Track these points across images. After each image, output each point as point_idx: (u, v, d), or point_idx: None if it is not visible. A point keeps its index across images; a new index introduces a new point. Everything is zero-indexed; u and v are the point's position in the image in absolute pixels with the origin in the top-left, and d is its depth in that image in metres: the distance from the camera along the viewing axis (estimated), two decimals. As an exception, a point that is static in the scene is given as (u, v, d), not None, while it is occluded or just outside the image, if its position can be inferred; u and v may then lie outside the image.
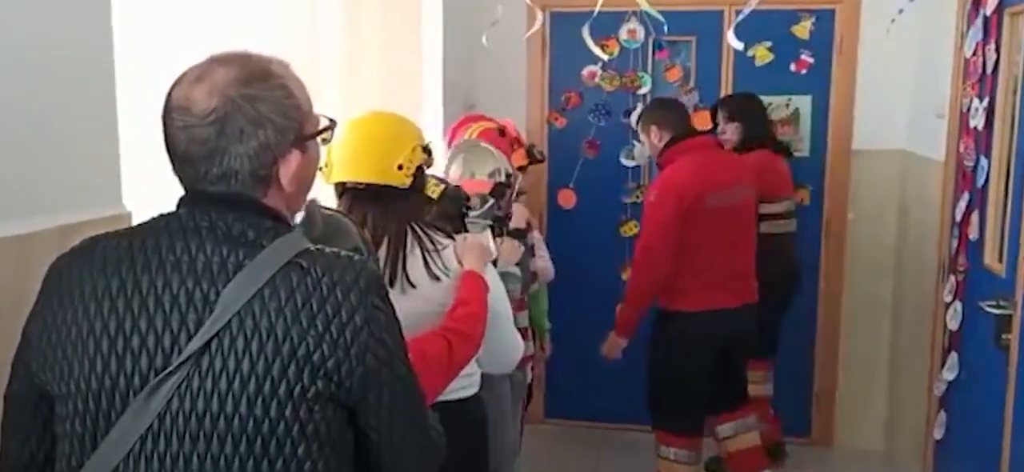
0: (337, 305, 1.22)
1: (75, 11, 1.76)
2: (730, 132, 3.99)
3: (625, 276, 4.22)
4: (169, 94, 1.27)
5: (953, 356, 3.27)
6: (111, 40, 1.83)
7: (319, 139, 1.37)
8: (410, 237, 2.12)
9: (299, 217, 1.54)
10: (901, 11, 3.54)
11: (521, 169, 3.32)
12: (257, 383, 1.19)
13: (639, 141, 4.44)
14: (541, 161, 3.68)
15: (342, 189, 2.18)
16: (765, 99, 4.23)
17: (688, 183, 3.40)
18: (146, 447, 1.20)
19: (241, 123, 1.23)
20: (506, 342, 2.25)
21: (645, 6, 2.62)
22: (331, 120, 1.38)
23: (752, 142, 3.94)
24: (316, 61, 3.01)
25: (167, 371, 1.19)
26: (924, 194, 3.86)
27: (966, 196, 3.20)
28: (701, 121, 4.04)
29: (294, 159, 1.28)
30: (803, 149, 4.42)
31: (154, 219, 1.29)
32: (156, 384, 1.19)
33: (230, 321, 1.19)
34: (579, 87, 4.52)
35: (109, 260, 1.24)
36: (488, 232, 2.79)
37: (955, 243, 3.32)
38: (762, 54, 4.35)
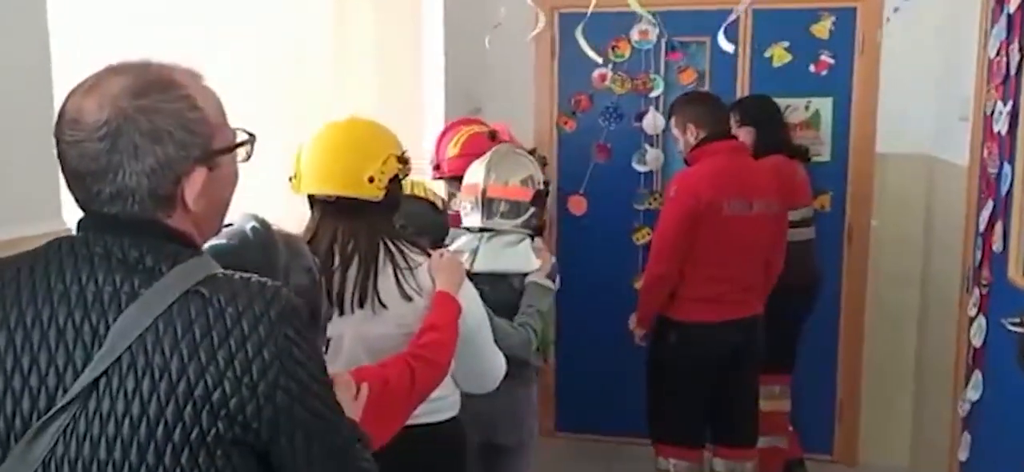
0: (242, 338, 1.10)
1: (9, 22, 1.67)
2: (742, 137, 3.82)
3: (638, 285, 4.06)
4: (62, 105, 1.16)
5: (977, 375, 3.08)
6: (48, 50, 1.73)
7: (236, 155, 1.25)
8: (382, 254, 2.01)
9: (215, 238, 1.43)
10: (896, 9, 3.35)
11: None
12: (149, 427, 1.07)
13: (652, 146, 4.34)
14: (543, 166, 3.55)
15: (312, 201, 2.07)
16: (783, 101, 4.06)
17: (709, 186, 3.27)
18: None
19: (135, 137, 1.11)
20: (484, 362, 2.15)
21: (635, 7, 2.47)
22: (250, 134, 1.27)
23: (766, 148, 3.76)
24: (306, 63, 2.92)
25: (50, 413, 1.08)
26: (949, 201, 3.67)
27: (990, 204, 3.01)
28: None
29: (200, 177, 1.16)
30: (823, 153, 4.22)
31: (50, 244, 1.17)
32: (39, 427, 1.08)
33: (120, 357, 1.08)
34: (589, 90, 4.37)
35: (0, 290, 1.13)
36: (528, 241, 2.68)
37: (979, 254, 3.13)
38: (780, 55, 4.18)
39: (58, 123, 1.15)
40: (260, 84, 2.61)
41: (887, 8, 4.01)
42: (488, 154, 2.74)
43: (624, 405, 4.30)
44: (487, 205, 2.65)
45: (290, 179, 2.07)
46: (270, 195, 2.26)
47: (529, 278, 2.60)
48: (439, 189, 3.27)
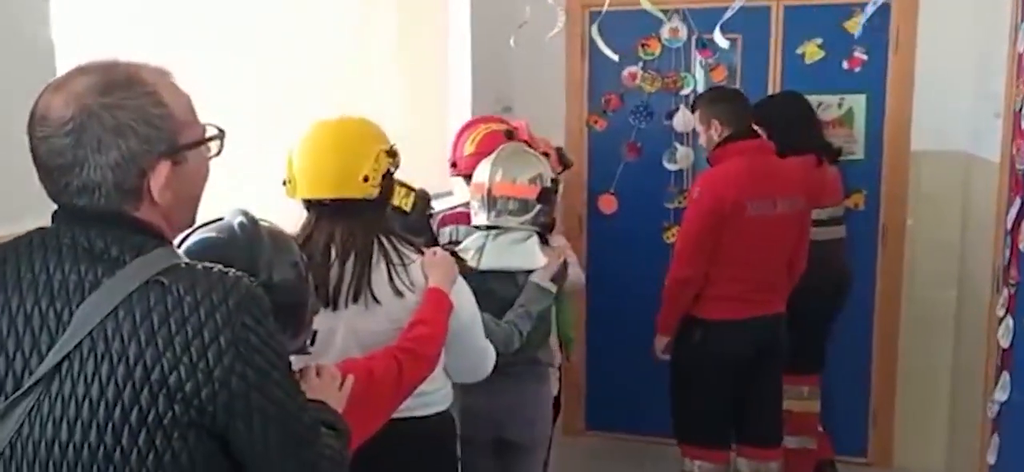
0: (198, 325, 1.14)
1: (15, 17, 1.74)
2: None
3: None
4: (34, 103, 1.21)
5: (1004, 376, 3.01)
6: (53, 59, 1.79)
7: (205, 150, 1.30)
8: (376, 250, 2.04)
9: (204, 231, 1.48)
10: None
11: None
12: (107, 410, 1.12)
13: (682, 144, 4.31)
14: (570, 166, 3.55)
15: (308, 203, 2.10)
16: (815, 99, 4.01)
17: (732, 187, 3.24)
18: None
19: (98, 133, 1.17)
20: (475, 356, 2.19)
21: (647, 5, 2.46)
22: (219, 130, 1.31)
23: (787, 149, 3.70)
24: (331, 66, 2.99)
25: (16, 395, 1.14)
26: (985, 199, 3.58)
27: (1017, 203, 2.94)
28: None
29: (164, 170, 1.21)
30: (857, 151, 4.16)
31: (26, 235, 1.23)
32: (6, 408, 1.14)
33: (81, 343, 1.13)
34: (619, 88, 4.37)
35: None
36: (535, 239, 2.70)
37: (1008, 253, 3.06)
38: (812, 51, 4.13)
39: (29, 120, 1.20)
40: (284, 87, 2.68)
41: (925, 2, 3.95)
42: (496, 152, 2.76)
43: (654, 404, 4.27)
44: (493, 203, 2.67)
45: (284, 184, 2.09)
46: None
47: (531, 278, 2.62)
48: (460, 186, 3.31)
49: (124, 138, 1.18)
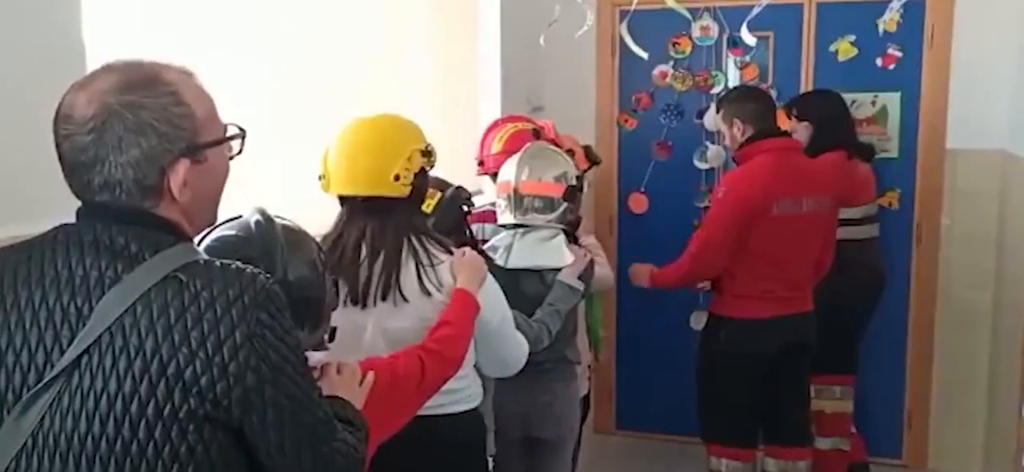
0: (214, 321, 1.16)
1: (47, 18, 1.76)
2: (800, 132, 3.75)
3: (700, 284, 4.03)
4: (60, 102, 1.24)
5: (1040, 377, 2.97)
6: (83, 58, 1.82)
7: (226, 149, 1.32)
8: (406, 249, 2.05)
9: (223, 229, 1.50)
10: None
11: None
12: (125, 403, 1.14)
13: (713, 143, 4.28)
14: (599, 163, 3.54)
15: (342, 199, 2.13)
16: (849, 96, 3.97)
17: (757, 187, 3.23)
18: (21, 466, 1.17)
19: (119, 131, 1.19)
20: (506, 351, 2.21)
21: (672, 4, 2.45)
22: (241, 129, 1.33)
23: (823, 146, 3.67)
24: (363, 65, 3.00)
25: (37, 388, 1.16)
26: (1021, 197, 3.53)
27: (1054, 201, 2.90)
28: (780, 122, 3.80)
29: (184, 168, 1.23)
30: (891, 149, 4.11)
31: (50, 231, 1.26)
32: (27, 402, 1.17)
33: (99, 337, 1.15)
34: (649, 87, 4.35)
35: (0, 275, 1.22)
36: (561, 237, 2.71)
37: (1044, 252, 3.01)
38: (845, 49, 4.08)
39: (54, 118, 1.23)
40: (317, 86, 2.71)
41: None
42: (521, 151, 2.77)
43: (684, 404, 4.25)
44: (520, 201, 2.68)
45: (319, 178, 2.13)
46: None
47: (558, 276, 2.62)
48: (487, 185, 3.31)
49: (145, 136, 1.20)
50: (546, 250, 2.66)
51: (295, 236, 1.59)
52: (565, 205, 2.71)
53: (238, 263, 1.24)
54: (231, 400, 1.17)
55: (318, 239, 1.91)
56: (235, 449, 1.22)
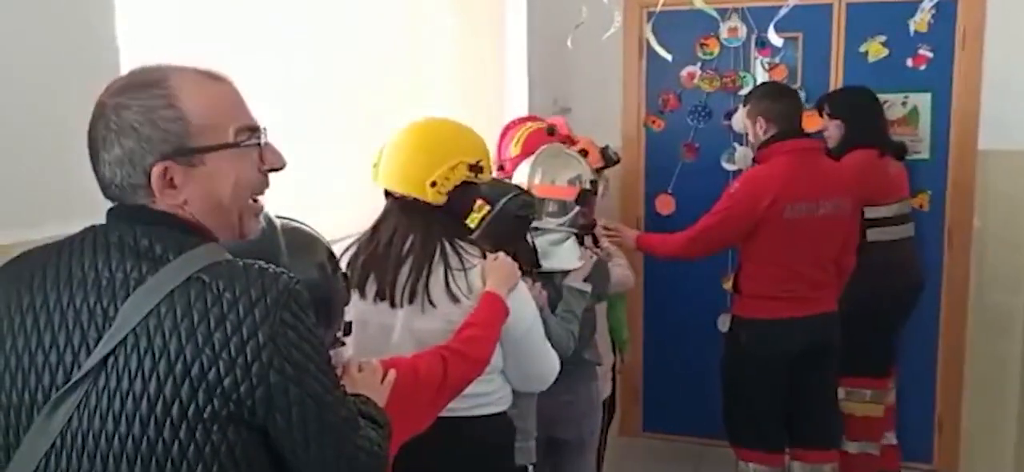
0: (237, 321, 1.17)
1: (81, 24, 1.79)
2: (832, 130, 3.72)
3: (726, 285, 4.02)
4: None
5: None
6: (117, 53, 1.84)
7: (235, 154, 1.27)
8: (437, 254, 2.05)
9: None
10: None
11: (596, 172, 3.19)
12: (149, 404, 1.15)
13: (740, 144, 4.26)
14: (616, 162, 3.52)
15: (386, 192, 2.15)
16: (879, 97, 3.93)
17: (769, 190, 3.21)
18: (50, 465, 1.18)
19: (102, 131, 1.22)
20: (535, 363, 2.17)
21: (700, 4, 2.45)
22: (255, 135, 1.30)
23: (854, 143, 3.64)
24: (387, 67, 3.02)
25: (65, 389, 1.18)
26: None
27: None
28: (810, 123, 3.76)
29: (167, 170, 1.22)
30: (922, 150, 4.07)
31: (79, 232, 1.27)
32: (56, 402, 1.18)
33: (125, 339, 1.16)
34: (677, 88, 4.34)
35: (30, 275, 1.24)
36: (573, 240, 2.71)
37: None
38: (875, 49, 4.05)
39: None
40: (341, 87, 2.72)
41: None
42: (536, 154, 2.77)
43: (710, 407, 4.24)
44: None
45: (372, 167, 2.16)
46: (350, 192, 2.33)
47: (566, 280, 2.62)
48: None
49: (125, 136, 1.21)
50: (557, 253, 2.66)
51: (301, 239, 1.57)
52: (577, 209, 2.71)
53: (261, 263, 1.24)
54: (255, 400, 1.17)
55: (360, 233, 1.92)
56: (260, 448, 1.22)
